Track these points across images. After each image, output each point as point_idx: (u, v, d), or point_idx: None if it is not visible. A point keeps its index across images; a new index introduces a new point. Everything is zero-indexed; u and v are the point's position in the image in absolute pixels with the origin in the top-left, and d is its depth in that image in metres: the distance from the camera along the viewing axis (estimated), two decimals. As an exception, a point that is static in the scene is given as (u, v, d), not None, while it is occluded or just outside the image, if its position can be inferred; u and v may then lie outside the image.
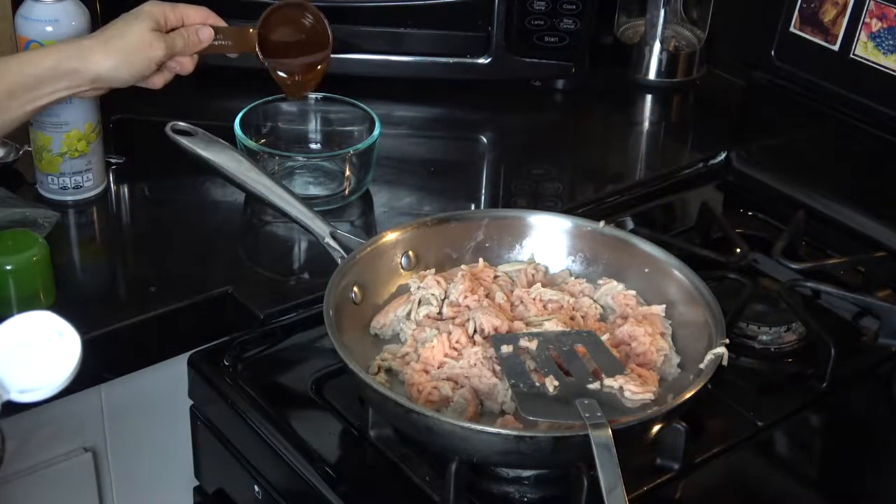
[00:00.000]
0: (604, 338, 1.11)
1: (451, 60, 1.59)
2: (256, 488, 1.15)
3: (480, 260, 1.23)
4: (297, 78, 1.37)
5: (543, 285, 1.20)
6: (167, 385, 1.25)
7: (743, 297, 1.24)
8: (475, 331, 1.12)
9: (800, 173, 1.47)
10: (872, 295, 1.29)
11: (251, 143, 1.36)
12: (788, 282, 1.29)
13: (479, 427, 0.97)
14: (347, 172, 1.39)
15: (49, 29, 1.27)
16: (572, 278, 1.23)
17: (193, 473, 1.27)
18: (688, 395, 1.01)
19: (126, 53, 1.22)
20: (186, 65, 1.28)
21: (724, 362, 1.07)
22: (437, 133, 1.62)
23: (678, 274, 1.17)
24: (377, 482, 1.06)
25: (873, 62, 1.37)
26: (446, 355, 1.09)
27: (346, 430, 1.10)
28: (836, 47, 1.41)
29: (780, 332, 1.23)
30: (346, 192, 1.39)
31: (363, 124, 1.42)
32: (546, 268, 1.24)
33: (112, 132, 1.45)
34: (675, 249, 1.23)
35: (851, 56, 1.39)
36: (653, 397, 1.04)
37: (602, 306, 1.20)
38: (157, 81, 1.28)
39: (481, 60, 1.59)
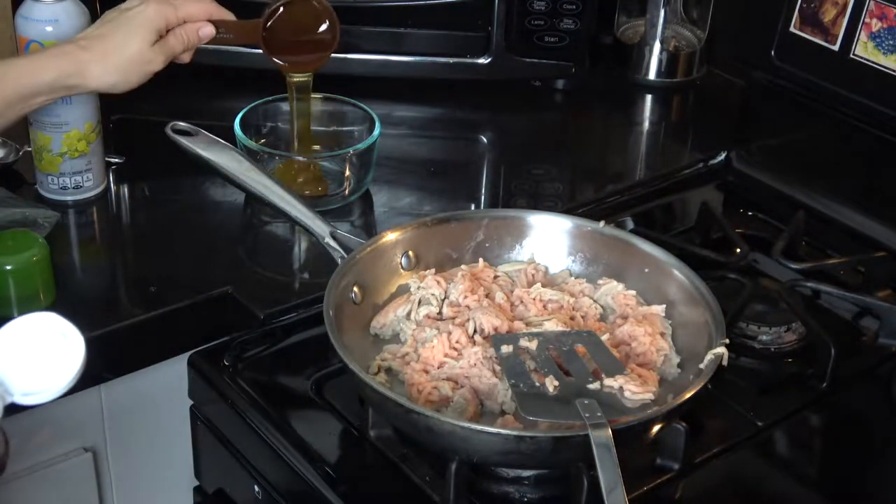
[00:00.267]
0: (604, 338, 1.11)
1: (451, 60, 1.59)
2: (256, 488, 1.15)
3: (480, 260, 1.23)
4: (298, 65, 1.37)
5: (543, 285, 1.20)
6: (167, 385, 1.25)
7: (743, 297, 1.24)
8: (475, 331, 1.12)
9: (800, 173, 1.47)
10: (872, 295, 1.29)
11: (251, 143, 1.36)
12: (788, 282, 1.29)
13: (479, 427, 0.97)
14: (347, 172, 1.39)
15: (49, 29, 1.27)
16: (572, 278, 1.23)
17: (193, 473, 1.27)
18: (688, 395, 1.01)
19: (125, 71, 1.22)
20: (184, 59, 1.28)
21: (724, 362, 1.07)
22: (437, 133, 1.62)
23: (678, 274, 1.17)
24: (377, 482, 1.06)
25: (873, 62, 1.37)
26: (446, 355, 1.09)
27: (346, 430, 1.10)
28: (836, 47, 1.41)
29: (780, 332, 1.23)
30: (346, 192, 1.39)
31: (363, 124, 1.42)
32: (546, 268, 1.24)
33: (112, 132, 1.45)
34: (675, 249, 1.23)
35: (851, 56, 1.39)
36: (653, 397, 1.04)
37: (602, 306, 1.20)
38: None
39: (481, 60, 1.59)
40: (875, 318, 1.26)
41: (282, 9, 1.32)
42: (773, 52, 1.47)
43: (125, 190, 1.41)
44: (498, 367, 1.07)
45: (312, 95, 1.41)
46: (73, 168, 1.33)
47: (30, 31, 1.27)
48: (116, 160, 1.43)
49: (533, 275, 1.22)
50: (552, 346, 1.08)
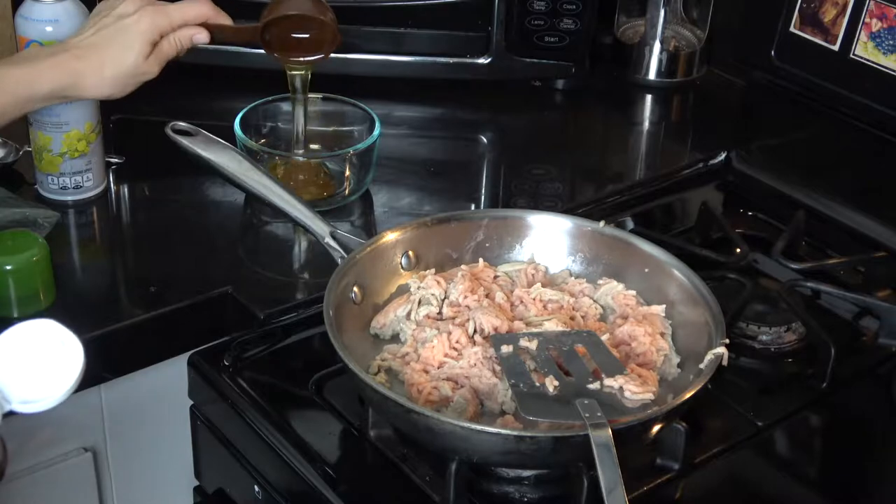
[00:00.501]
0: (604, 338, 1.11)
1: (451, 60, 1.59)
2: (256, 488, 1.15)
3: (480, 260, 1.23)
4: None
5: (543, 285, 1.20)
6: (167, 385, 1.25)
7: (743, 297, 1.24)
8: (475, 331, 1.12)
9: (800, 173, 1.47)
10: (872, 295, 1.29)
11: (251, 143, 1.36)
12: (788, 282, 1.29)
13: (479, 427, 0.97)
14: (347, 172, 1.39)
15: (49, 29, 1.27)
16: (572, 278, 1.23)
17: (193, 473, 1.27)
18: (688, 395, 1.01)
19: (120, 84, 1.23)
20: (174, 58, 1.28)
21: (724, 362, 1.07)
22: (437, 133, 1.62)
23: (678, 274, 1.17)
24: (377, 482, 1.06)
25: (873, 62, 1.37)
26: (446, 355, 1.09)
27: (346, 430, 1.10)
28: (836, 47, 1.41)
29: (780, 332, 1.23)
30: (346, 192, 1.39)
31: (363, 124, 1.42)
32: (546, 268, 1.24)
33: (112, 132, 1.45)
34: (675, 249, 1.23)
35: (851, 56, 1.39)
36: (653, 397, 1.04)
37: (602, 306, 1.20)
38: None
39: (481, 60, 1.59)
40: (875, 318, 1.26)
41: (282, 6, 1.32)
42: (773, 52, 1.47)
43: (125, 190, 1.41)
44: (498, 367, 1.07)
45: (313, 95, 1.41)
46: (73, 168, 1.33)
47: (30, 31, 1.27)
48: (116, 160, 1.43)
49: (533, 275, 1.22)
50: (552, 346, 1.08)
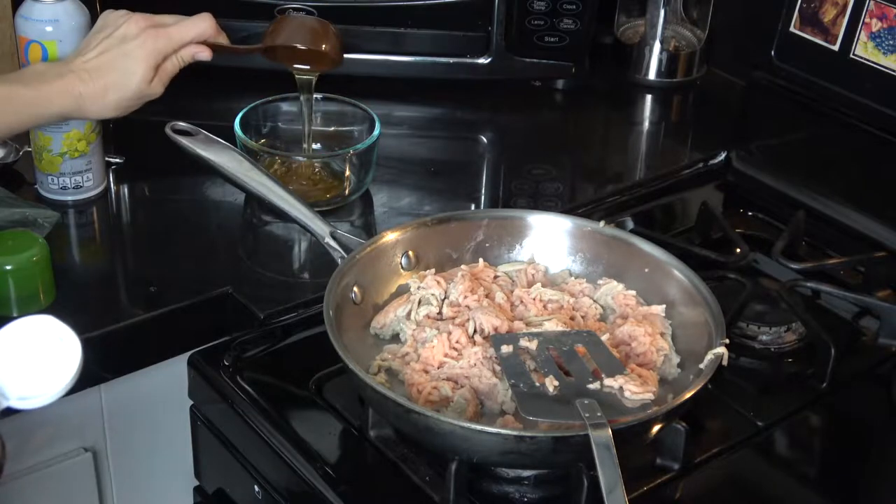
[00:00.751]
0: (604, 338, 1.10)
1: (451, 60, 1.59)
2: (256, 488, 1.15)
3: (480, 260, 1.23)
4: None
5: (543, 285, 1.20)
6: (167, 385, 1.25)
7: (743, 297, 1.24)
8: (475, 331, 1.12)
9: (800, 173, 1.47)
10: (872, 295, 1.29)
11: (251, 143, 1.36)
12: (788, 282, 1.29)
13: (479, 427, 0.97)
14: (347, 172, 1.39)
15: (49, 29, 1.27)
16: (572, 278, 1.23)
17: (193, 473, 1.27)
18: (688, 395, 1.01)
19: (124, 107, 1.23)
20: None
21: (724, 362, 1.07)
22: (437, 133, 1.62)
23: (678, 274, 1.17)
24: (377, 482, 1.06)
25: (873, 62, 1.37)
26: (446, 355, 1.09)
27: (346, 430, 1.10)
28: (836, 47, 1.41)
29: (780, 332, 1.23)
30: (346, 192, 1.39)
31: (363, 124, 1.42)
32: (546, 268, 1.24)
33: (112, 132, 1.45)
34: (675, 249, 1.23)
35: (851, 56, 1.39)
36: (653, 397, 1.04)
37: (602, 306, 1.20)
38: None
39: (481, 60, 1.59)
40: (875, 318, 1.27)
41: (283, 34, 1.32)
42: (773, 52, 1.47)
43: (125, 190, 1.41)
44: (498, 367, 1.07)
45: (313, 95, 1.41)
46: (73, 168, 1.33)
47: (30, 31, 1.27)
48: (116, 160, 1.43)
49: (533, 275, 1.22)
50: (552, 346, 1.08)
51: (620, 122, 1.70)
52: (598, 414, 0.97)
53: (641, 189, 1.49)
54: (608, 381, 1.03)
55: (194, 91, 1.44)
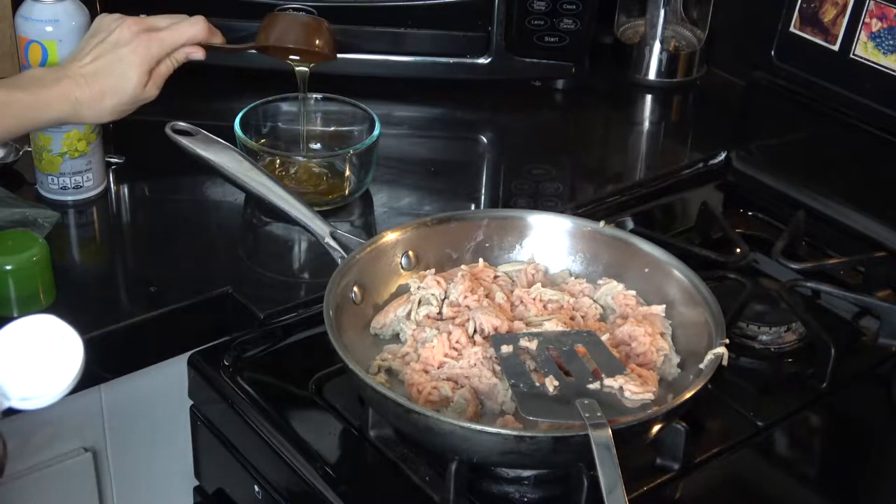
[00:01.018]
0: (604, 338, 1.10)
1: (451, 60, 1.59)
2: (256, 488, 1.15)
3: (480, 260, 1.23)
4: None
5: (543, 285, 1.20)
6: (167, 385, 1.25)
7: (743, 297, 1.24)
8: (475, 331, 1.12)
9: (800, 173, 1.47)
10: (872, 295, 1.29)
11: (251, 143, 1.36)
12: (788, 282, 1.29)
13: (479, 427, 0.97)
14: (347, 172, 1.39)
15: (49, 29, 1.27)
16: (572, 278, 1.23)
17: (193, 473, 1.27)
18: (688, 395, 1.01)
19: (119, 111, 1.24)
20: None
21: (724, 362, 1.07)
22: (437, 133, 1.62)
23: (678, 274, 1.17)
24: (377, 482, 1.06)
25: (873, 62, 1.37)
26: (446, 355, 1.09)
27: (346, 430, 1.10)
28: (836, 47, 1.41)
29: (780, 332, 1.23)
30: (346, 192, 1.39)
31: (363, 124, 1.42)
32: (546, 268, 1.24)
33: (112, 132, 1.45)
34: (675, 249, 1.23)
35: (851, 56, 1.39)
36: (653, 397, 1.04)
37: (602, 306, 1.20)
38: None
39: (481, 60, 1.59)
40: (875, 318, 1.27)
41: (276, 32, 1.33)
42: (773, 52, 1.47)
43: (125, 190, 1.41)
44: (498, 367, 1.07)
45: (313, 95, 1.41)
46: (73, 168, 1.33)
47: (30, 31, 1.27)
48: (116, 160, 1.43)
49: (533, 275, 1.22)
50: (552, 346, 1.08)
51: (620, 122, 1.70)
52: (598, 414, 0.97)
53: (641, 189, 1.49)
54: (608, 381, 1.03)
55: (194, 91, 1.44)
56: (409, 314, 1.16)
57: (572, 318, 1.16)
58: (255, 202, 1.33)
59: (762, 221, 1.45)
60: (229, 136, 1.33)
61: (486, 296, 1.17)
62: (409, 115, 1.62)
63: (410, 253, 1.22)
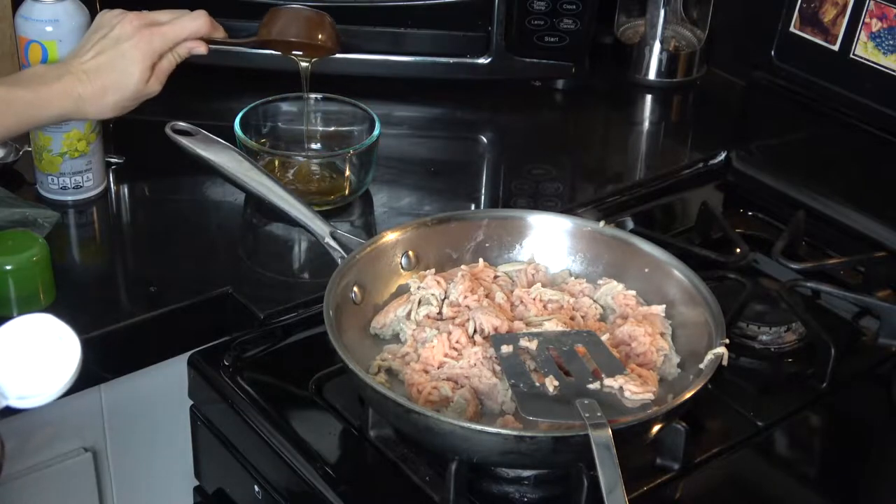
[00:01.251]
0: (604, 338, 1.10)
1: (451, 60, 1.59)
2: (256, 488, 1.15)
3: (480, 260, 1.23)
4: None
5: (543, 285, 1.20)
6: (167, 385, 1.25)
7: (743, 297, 1.24)
8: (475, 331, 1.11)
9: (800, 173, 1.47)
10: (872, 295, 1.29)
11: (251, 143, 1.36)
12: (788, 282, 1.29)
13: (479, 427, 0.97)
14: (347, 172, 1.39)
15: (49, 29, 1.27)
16: (572, 278, 1.23)
17: (193, 473, 1.27)
18: (688, 395, 1.01)
19: (122, 107, 1.24)
20: None
21: (724, 362, 1.07)
22: (437, 133, 1.62)
23: (678, 274, 1.17)
24: (377, 482, 1.06)
25: (873, 62, 1.37)
26: (446, 355, 1.09)
27: (346, 430, 1.10)
28: (836, 47, 1.41)
29: (780, 332, 1.23)
30: (346, 192, 1.39)
31: (363, 124, 1.42)
32: (546, 268, 1.24)
33: (112, 132, 1.45)
34: (675, 249, 1.23)
35: (851, 56, 1.39)
36: (653, 397, 1.04)
37: (602, 306, 1.20)
38: None
39: (481, 60, 1.59)
40: (875, 318, 1.27)
41: (278, 26, 1.33)
42: (773, 52, 1.47)
43: (125, 190, 1.41)
44: (498, 367, 1.07)
45: (313, 95, 1.41)
46: (73, 168, 1.33)
47: (30, 31, 1.27)
48: (116, 160, 1.43)
49: (533, 275, 1.22)
50: (552, 346, 1.08)
51: (620, 122, 1.70)
52: (598, 414, 0.97)
53: (641, 189, 1.49)
54: (608, 381, 1.03)
55: (194, 91, 1.44)
56: (409, 314, 1.16)
57: (572, 318, 1.16)
58: (255, 202, 1.33)
59: (762, 221, 1.45)
60: (229, 136, 1.33)
61: (486, 296, 1.17)
62: (409, 115, 1.62)
63: (410, 253, 1.22)
